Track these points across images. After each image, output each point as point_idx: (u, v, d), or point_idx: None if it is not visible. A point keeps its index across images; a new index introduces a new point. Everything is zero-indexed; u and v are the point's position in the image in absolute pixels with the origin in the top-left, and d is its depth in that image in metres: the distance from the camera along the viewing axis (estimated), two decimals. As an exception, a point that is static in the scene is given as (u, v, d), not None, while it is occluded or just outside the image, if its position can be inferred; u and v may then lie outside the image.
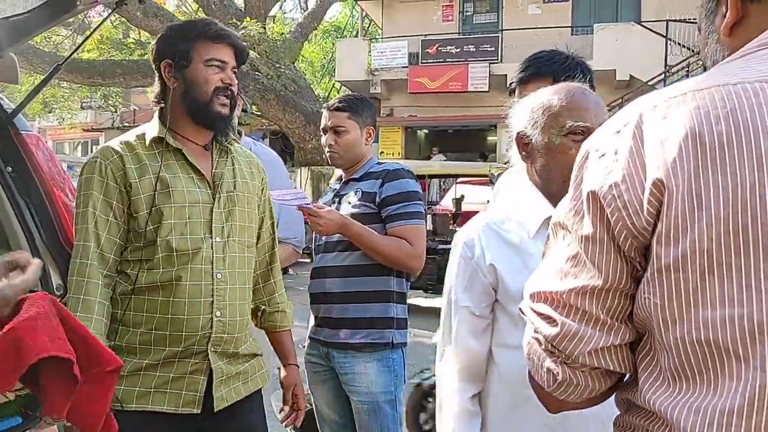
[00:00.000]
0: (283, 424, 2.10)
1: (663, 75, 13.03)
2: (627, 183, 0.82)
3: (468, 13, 17.45)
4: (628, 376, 0.92)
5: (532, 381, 0.97)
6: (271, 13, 17.84)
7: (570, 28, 15.59)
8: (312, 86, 17.78)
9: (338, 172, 2.72)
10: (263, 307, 2.07)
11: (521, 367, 1.03)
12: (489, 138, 17.27)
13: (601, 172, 0.85)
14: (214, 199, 1.83)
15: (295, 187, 2.89)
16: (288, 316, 2.11)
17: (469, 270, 1.57)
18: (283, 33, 16.33)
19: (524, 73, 1.96)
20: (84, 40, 2.33)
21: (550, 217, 1.07)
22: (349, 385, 2.47)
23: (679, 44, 13.54)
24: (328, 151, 2.59)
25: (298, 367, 2.15)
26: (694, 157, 0.77)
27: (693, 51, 12.61)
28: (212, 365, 1.79)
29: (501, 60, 15.43)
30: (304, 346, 2.67)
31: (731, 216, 0.75)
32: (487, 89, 15.24)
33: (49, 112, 19.08)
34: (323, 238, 2.55)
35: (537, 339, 0.92)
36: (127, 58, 15.26)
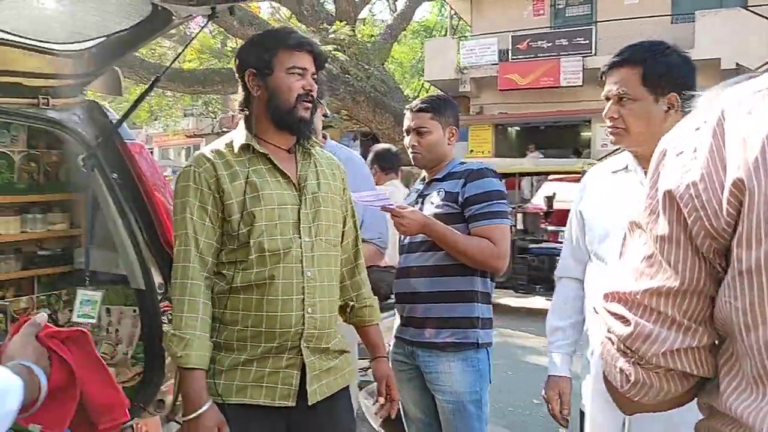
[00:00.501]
0: (378, 415, 2.14)
1: (773, 62, 12.19)
2: (705, 182, 0.79)
3: (560, 6, 17.00)
4: (710, 379, 0.89)
5: (606, 381, 0.95)
6: (361, 16, 18.06)
7: (670, 17, 14.88)
8: (401, 87, 17.87)
9: (424, 172, 2.74)
10: (351, 303, 2.12)
11: None
12: (583, 133, 16.77)
13: (679, 170, 0.83)
14: (300, 201, 1.90)
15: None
16: (375, 311, 2.16)
17: None
18: (372, 35, 16.50)
19: (615, 58, 1.91)
20: (177, 55, 2.50)
21: None
22: (434, 384, 2.48)
23: (791, 29, 12.62)
24: (411, 152, 2.61)
25: (388, 358, 2.18)
26: None
27: (807, 35, 11.73)
28: (305, 360, 1.86)
29: (595, 53, 14.93)
30: (389, 345, 2.70)
31: None
32: (580, 83, 14.80)
33: (155, 120, 20.15)
34: (407, 238, 2.58)
35: (610, 339, 0.91)
36: (224, 66, 15.89)
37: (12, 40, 2.24)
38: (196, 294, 1.81)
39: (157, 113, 19.64)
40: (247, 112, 1.95)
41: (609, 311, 0.91)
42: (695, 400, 0.92)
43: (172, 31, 15.61)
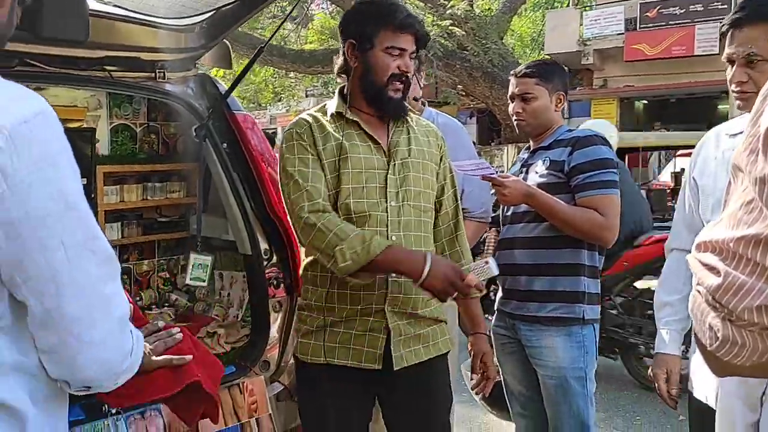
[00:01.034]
0: (474, 391, 2.11)
1: None
2: None
3: (694, -31, 15.80)
4: None
5: (696, 340, 0.87)
6: (479, -10, 17.70)
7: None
8: (521, 62, 17.37)
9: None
10: None
11: None
12: (720, 106, 15.57)
13: None
14: (388, 166, 1.90)
15: (483, 159, 2.85)
16: None
17: None
18: (490, 9, 16.13)
19: (738, 14, 1.66)
20: (276, 29, 2.54)
21: None
22: (536, 358, 2.41)
23: None
24: (515, 120, 2.52)
25: (486, 335, 2.14)
26: None
27: None
28: (389, 324, 1.86)
29: (734, 18, 13.74)
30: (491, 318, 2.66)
31: None
32: (717, 52, 13.70)
33: (279, 101, 20.90)
34: (510, 208, 2.51)
35: (699, 291, 0.82)
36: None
37: (129, 17, 2.37)
38: (333, 217, 1.80)
39: (280, 94, 20.36)
40: (344, 78, 1.98)
41: (700, 261, 0.83)
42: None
43: (293, 14, 16.08)
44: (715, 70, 13.36)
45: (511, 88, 2.53)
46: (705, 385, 1.79)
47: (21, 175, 0.89)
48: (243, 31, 13.02)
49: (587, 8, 17.14)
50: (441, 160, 2.07)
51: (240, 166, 2.56)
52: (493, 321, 2.65)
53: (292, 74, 18.81)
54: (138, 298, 2.88)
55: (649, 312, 3.17)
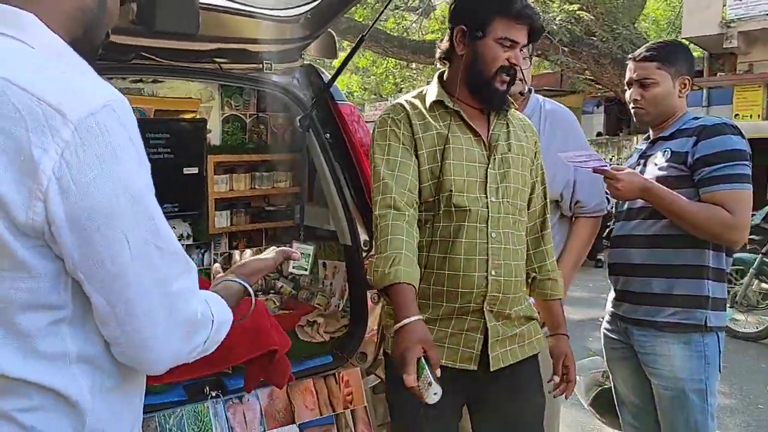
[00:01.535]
0: (553, 395, 1.99)
1: None
2: None
3: None
4: None
5: None
6: (610, -28, 16.84)
7: None
8: (655, 47, 16.33)
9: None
10: (533, 274, 2.01)
11: None
12: None
13: None
14: (489, 160, 1.81)
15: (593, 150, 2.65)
16: (559, 285, 2.02)
17: None
18: (622, -8, 15.29)
19: None
20: (379, 15, 2.50)
21: None
22: (650, 366, 2.23)
23: None
24: (632, 107, 2.33)
25: (568, 336, 2.02)
26: None
27: None
28: (488, 324, 1.79)
29: None
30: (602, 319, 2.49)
31: None
32: None
33: (399, 92, 21.02)
34: (625, 204, 2.33)
35: None
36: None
37: (237, 9, 2.42)
38: (398, 219, 1.71)
39: (401, 85, 20.47)
40: (447, 65, 1.90)
41: None
42: None
43: (414, 4, 16.07)
44: None
45: (629, 73, 2.34)
46: None
47: (85, 168, 0.88)
48: (365, 22, 13.18)
49: (732, -13, 15.83)
50: (535, 156, 1.97)
51: (341, 156, 2.56)
52: (603, 323, 2.48)
53: (413, 65, 18.86)
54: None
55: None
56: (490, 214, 1.78)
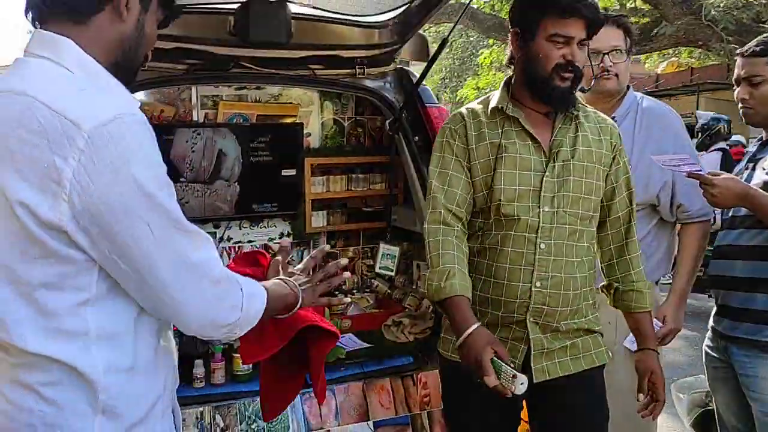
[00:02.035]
0: (640, 414, 1.87)
1: None
2: None
3: None
4: None
5: None
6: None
7: None
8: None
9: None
10: (616, 284, 1.91)
11: None
12: None
13: None
14: (546, 167, 1.75)
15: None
16: (644, 296, 1.89)
17: None
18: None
19: None
20: (467, 6, 2.44)
21: None
22: (750, 389, 2.04)
23: None
24: (741, 107, 2.14)
25: (658, 352, 1.90)
26: None
27: None
28: (530, 336, 1.75)
29: None
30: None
31: None
32: None
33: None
34: (729, 212, 2.15)
35: None
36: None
37: (328, 17, 2.52)
38: (448, 234, 1.75)
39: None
40: (511, 70, 1.87)
41: None
42: None
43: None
44: None
45: (737, 70, 2.14)
46: None
47: (100, 171, 1.02)
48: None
49: None
50: (614, 160, 1.85)
51: (429, 157, 2.57)
52: (705, 339, 2.30)
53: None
54: (343, 282, 3.06)
55: None
56: (540, 224, 1.73)
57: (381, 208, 3.01)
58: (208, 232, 2.86)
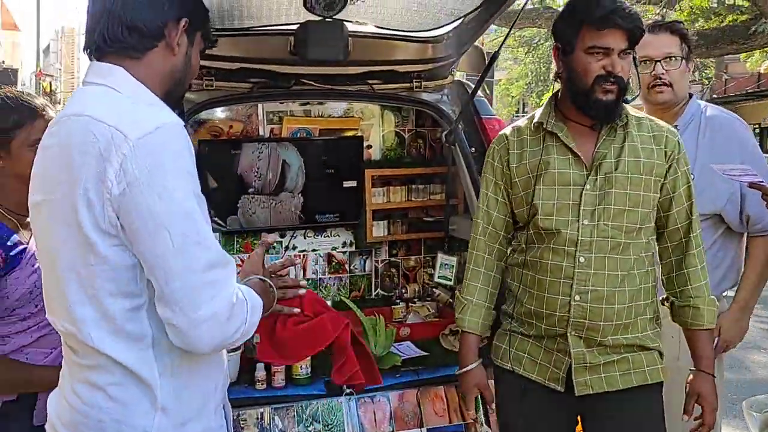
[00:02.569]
0: None
1: None
2: None
3: None
4: None
5: None
6: None
7: None
8: None
9: None
10: (672, 299, 1.88)
11: None
12: None
13: None
14: (587, 180, 1.76)
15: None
16: (702, 313, 1.83)
17: None
18: None
19: None
20: (512, 26, 2.39)
21: None
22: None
23: None
24: None
25: (713, 375, 1.82)
26: None
27: None
28: (571, 350, 1.76)
29: None
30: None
31: None
32: None
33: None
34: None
35: None
36: (713, 27, 14.43)
37: (384, 34, 2.59)
38: (479, 264, 1.92)
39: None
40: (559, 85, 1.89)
41: None
42: None
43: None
44: None
45: None
46: None
47: (137, 176, 1.13)
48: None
49: None
50: (670, 169, 1.81)
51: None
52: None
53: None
54: (404, 291, 3.13)
55: None
56: (579, 238, 1.73)
57: (441, 217, 3.06)
58: (275, 242, 3.00)
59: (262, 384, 2.40)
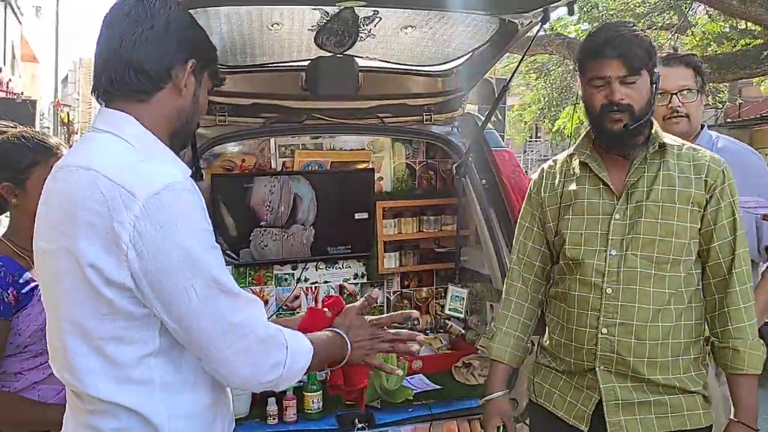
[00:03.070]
0: None
1: None
2: None
3: None
4: None
5: None
6: None
7: None
8: None
9: None
10: (713, 339, 1.76)
11: None
12: None
13: None
14: (616, 209, 1.73)
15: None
16: (741, 356, 1.68)
17: None
18: None
19: None
20: (521, 59, 2.41)
21: None
22: None
23: None
24: None
25: (752, 428, 1.68)
26: None
27: None
28: (601, 385, 1.70)
29: None
30: None
31: None
32: None
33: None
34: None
35: None
36: (725, 51, 14.42)
37: (394, 68, 2.63)
38: (511, 294, 1.95)
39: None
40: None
41: None
42: None
43: (670, 21, 14.99)
44: None
45: None
46: None
47: (152, 236, 1.14)
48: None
49: None
50: (711, 200, 1.71)
51: (495, 201, 2.61)
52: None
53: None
54: (416, 323, 3.11)
55: None
56: (606, 269, 1.69)
57: (453, 249, 3.06)
58: (286, 274, 3.01)
59: (273, 419, 2.40)
